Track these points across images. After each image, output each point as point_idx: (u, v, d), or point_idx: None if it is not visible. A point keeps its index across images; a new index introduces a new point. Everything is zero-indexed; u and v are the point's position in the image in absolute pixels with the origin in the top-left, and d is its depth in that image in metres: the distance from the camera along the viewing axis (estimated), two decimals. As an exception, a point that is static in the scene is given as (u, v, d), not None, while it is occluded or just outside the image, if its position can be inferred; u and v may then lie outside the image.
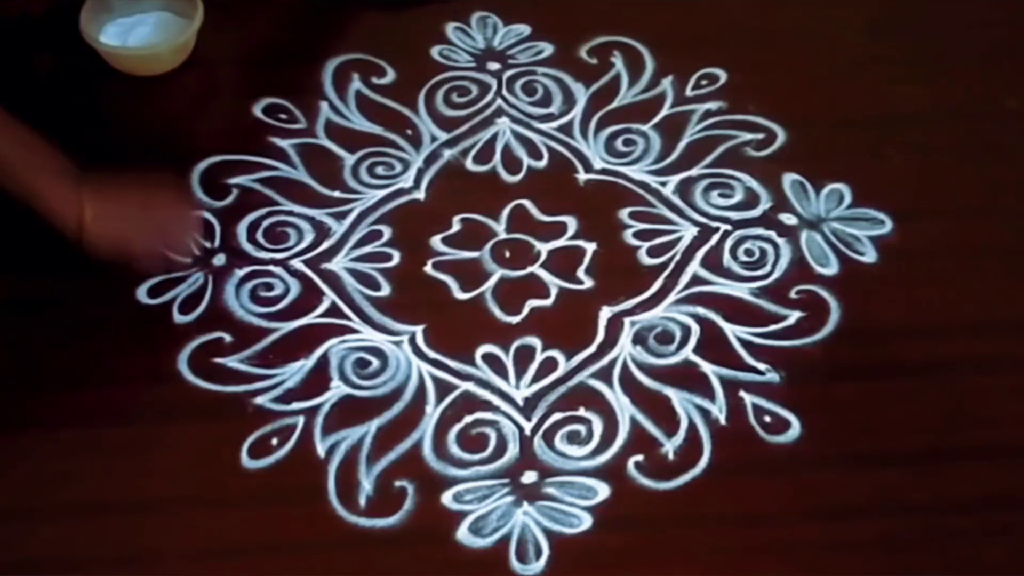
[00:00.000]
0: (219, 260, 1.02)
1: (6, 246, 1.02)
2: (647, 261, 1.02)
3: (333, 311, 0.98)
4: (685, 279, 1.01)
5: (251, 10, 1.23)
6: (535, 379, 0.94)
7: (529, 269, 1.02)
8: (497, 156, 1.11)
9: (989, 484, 0.86)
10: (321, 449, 0.90)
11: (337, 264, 1.02)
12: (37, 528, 0.86)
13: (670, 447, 0.90)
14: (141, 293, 0.99)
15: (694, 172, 1.09)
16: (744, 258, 1.02)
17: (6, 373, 0.95)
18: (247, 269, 1.01)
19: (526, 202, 1.07)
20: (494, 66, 1.19)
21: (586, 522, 0.86)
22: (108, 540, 0.85)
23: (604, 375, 0.94)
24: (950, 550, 0.85)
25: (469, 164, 1.10)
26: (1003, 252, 1.04)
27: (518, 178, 1.09)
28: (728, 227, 1.05)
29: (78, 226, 0.93)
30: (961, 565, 0.84)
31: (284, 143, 1.11)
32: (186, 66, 1.17)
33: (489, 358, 0.95)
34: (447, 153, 1.11)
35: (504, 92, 1.16)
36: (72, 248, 0.94)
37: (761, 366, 0.95)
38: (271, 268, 1.02)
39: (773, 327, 0.97)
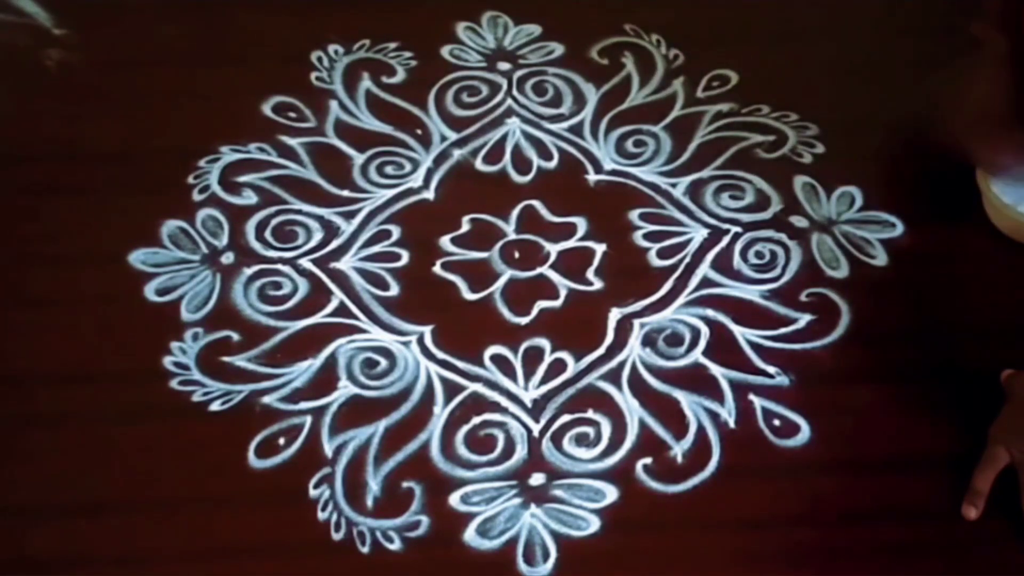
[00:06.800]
0: (227, 258, 1.02)
1: (16, 243, 1.02)
2: (657, 263, 1.02)
3: (341, 311, 0.98)
4: (695, 281, 1.00)
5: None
6: (544, 380, 0.94)
7: (538, 270, 1.01)
8: (507, 156, 1.10)
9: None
10: (328, 449, 0.89)
11: (346, 263, 1.02)
12: (37, 528, 0.86)
13: (679, 450, 0.90)
14: (149, 291, 0.99)
15: (705, 174, 1.09)
16: (754, 260, 1.02)
17: (8, 371, 0.95)
18: (255, 268, 1.01)
19: (536, 203, 1.06)
20: (504, 66, 1.19)
21: (594, 525, 0.86)
22: (109, 540, 0.85)
23: (613, 377, 0.94)
24: (960, 556, 0.84)
25: (479, 164, 1.10)
26: (1014, 256, 1.03)
27: (528, 178, 1.09)
28: (738, 229, 1.04)
29: None
30: (971, 571, 0.84)
31: (293, 141, 1.11)
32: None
33: (498, 359, 0.95)
34: (457, 153, 1.11)
35: (514, 92, 1.16)
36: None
37: (771, 369, 0.94)
38: (279, 267, 1.01)
39: (783, 330, 0.97)
